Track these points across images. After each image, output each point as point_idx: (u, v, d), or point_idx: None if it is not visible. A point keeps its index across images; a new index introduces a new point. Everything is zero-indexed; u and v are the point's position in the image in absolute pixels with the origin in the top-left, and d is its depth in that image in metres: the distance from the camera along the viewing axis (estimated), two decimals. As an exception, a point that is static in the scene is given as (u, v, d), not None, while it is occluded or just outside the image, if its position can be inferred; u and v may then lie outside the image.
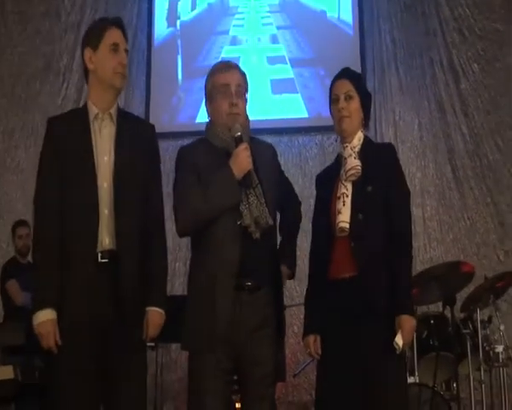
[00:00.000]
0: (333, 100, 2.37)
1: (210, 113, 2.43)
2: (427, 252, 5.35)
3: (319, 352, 2.29)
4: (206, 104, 2.45)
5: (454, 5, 5.66)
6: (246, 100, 2.42)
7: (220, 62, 2.53)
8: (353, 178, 2.29)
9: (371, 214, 2.24)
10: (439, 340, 3.76)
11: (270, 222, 2.28)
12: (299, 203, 2.61)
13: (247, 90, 2.43)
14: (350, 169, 2.28)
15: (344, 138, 2.37)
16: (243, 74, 2.42)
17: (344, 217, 2.24)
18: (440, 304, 3.85)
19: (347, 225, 2.24)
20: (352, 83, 2.35)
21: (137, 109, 5.63)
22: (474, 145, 5.46)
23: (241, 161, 2.25)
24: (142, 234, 2.25)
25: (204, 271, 2.27)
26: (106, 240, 2.19)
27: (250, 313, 2.24)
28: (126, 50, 2.32)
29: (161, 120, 5.78)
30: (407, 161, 5.41)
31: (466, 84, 5.55)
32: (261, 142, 2.48)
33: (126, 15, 5.81)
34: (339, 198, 2.28)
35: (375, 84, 5.59)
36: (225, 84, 2.35)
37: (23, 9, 6.14)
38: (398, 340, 2.14)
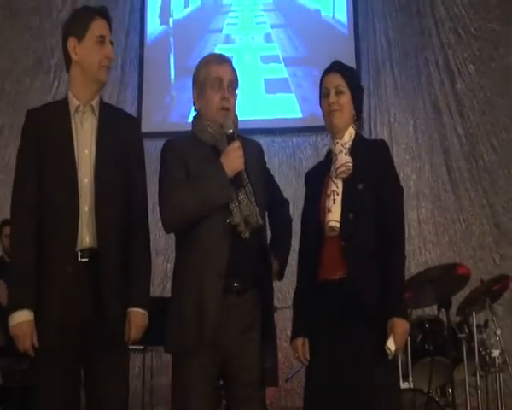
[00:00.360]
0: (323, 94, 2.29)
1: (199, 106, 2.35)
2: (422, 255, 5.29)
3: (307, 356, 2.21)
4: (194, 96, 2.37)
5: (449, 5, 5.62)
6: (236, 97, 2.35)
7: (213, 54, 2.47)
8: (344, 176, 2.21)
9: (362, 213, 2.16)
10: (434, 344, 3.72)
11: (261, 221, 2.22)
12: (288, 202, 2.54)
13: (237, 87, 2.37)
14: (340, 166, 2.20)
15: (334, 134, 2.29)
16: (235, 70, 2.37)
17: (334, 216, 2.16)
18: (435, 307, 3.78)
19: (337, 225, 2.16)
20: (343, 77, 2.27)
21: (130, 108, 5.56)
22: (469, 146, 5.41)
23: (233, 160, 2.19)
24: (125, 232, 2.17)
25: (190, 271, 2.19)
26: (86, 238, 2.11)
27: (238, 316, 2.17)
28: (112, 42, 2.25)
29: (154, 119, 5.73)
30: (402, 162, 5.36)
31: (461, 85, 5.50)
32: (248, 139, 2.41)
33: (118, 13, 5.76)
34: (329, 196, 2.20)
35: (369, 85, 5.54)
36: (218, 77, 2.29)
37: (13, 5, 6.06)
38: (390, 344, 2.05)
